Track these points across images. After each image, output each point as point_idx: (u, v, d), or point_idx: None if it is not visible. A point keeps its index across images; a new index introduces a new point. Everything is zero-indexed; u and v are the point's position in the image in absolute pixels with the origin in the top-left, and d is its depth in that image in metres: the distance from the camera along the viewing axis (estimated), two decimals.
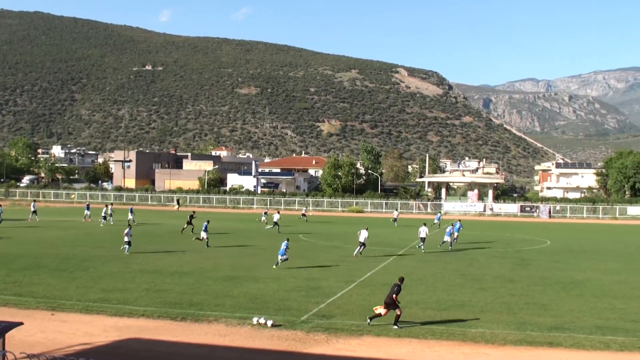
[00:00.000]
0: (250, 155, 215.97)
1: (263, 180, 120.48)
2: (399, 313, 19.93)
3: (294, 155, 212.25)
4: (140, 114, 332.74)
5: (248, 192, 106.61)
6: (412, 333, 19.14)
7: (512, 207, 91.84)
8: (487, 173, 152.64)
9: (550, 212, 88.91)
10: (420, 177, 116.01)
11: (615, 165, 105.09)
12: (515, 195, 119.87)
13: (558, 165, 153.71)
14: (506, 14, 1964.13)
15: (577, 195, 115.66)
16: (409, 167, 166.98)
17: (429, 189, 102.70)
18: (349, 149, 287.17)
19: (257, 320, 19.71)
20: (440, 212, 78.74)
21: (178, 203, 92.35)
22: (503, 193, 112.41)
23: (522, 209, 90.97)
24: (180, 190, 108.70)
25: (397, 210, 76.00)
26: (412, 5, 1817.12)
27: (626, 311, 23.07)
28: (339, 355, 16.98)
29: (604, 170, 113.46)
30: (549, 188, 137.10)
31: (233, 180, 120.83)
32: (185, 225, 49.95)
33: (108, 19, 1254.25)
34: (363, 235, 37.46)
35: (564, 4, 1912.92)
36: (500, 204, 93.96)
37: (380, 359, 16.80)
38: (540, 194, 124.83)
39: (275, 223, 55.67)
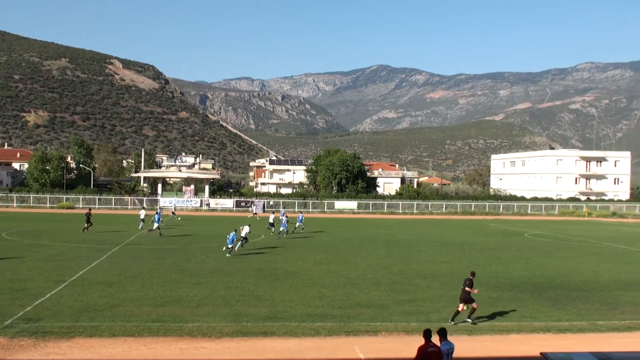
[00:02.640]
0: None
1: None
2: (475, 307, 21.04)
3: None
4: None
5: None
6: (128, 331, 18.51)
7: (228, 202, 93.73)
8: (204, 169, 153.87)
9: (264, 206, 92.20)
10: (136, 172, 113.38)
11: (323, 163, 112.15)
12: (231, 190, 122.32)
13: (272, 162, 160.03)
14: (223, 13, 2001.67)
15: (289, 190, 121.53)
16: (124, 161, 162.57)
17: (145, 184, 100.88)
18: (58, 142, 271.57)
19: None
20: (273, 211, 76.81)
21: None
22: (219, 188, 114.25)
23: (238, 204, 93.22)
24: None
25: (256, 207, 75.54)
26: None
27: (333, 298, 24.55)
28: (48, 359, 15.85)
29: (313, 167, 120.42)
30: (263, 184, 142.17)
31: None
32: (86, 224, 50.59)
33: None
34: (245, 230, 39.94)
35: (276, 8, 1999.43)
36: (217, 199, 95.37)
37: None
38: (255, 190, 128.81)
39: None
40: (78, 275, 28.60)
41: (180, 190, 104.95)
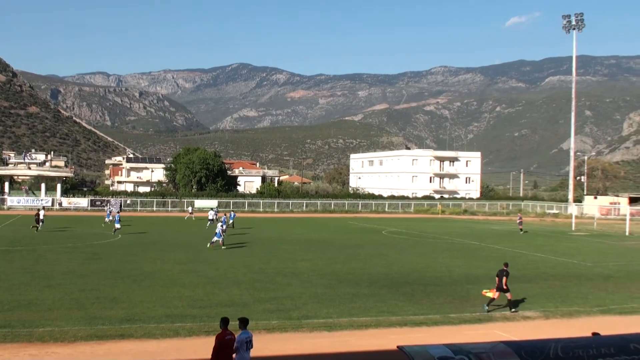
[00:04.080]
0: None
1: None
2: (509, 297, 23.13)
3: None
4: None
5: None
6: None
7: (83, 201, 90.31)
8: (56, 166, 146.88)
9: (121, 205, 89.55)
10: None
11: (183, 161, 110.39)
12: (85, 189, 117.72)
13: (129, 160, 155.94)
14: (75, 3, 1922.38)
15: (147, 189, 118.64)
16: None
17: None
18: None
19: None
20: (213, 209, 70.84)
21: None
22: (73, 187, 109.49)
23: (93, 203, 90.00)
24: None
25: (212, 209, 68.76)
26: None
27: (193, 298, 24.16)
28: None
29: (172, 165, 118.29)
30: (120, 182, 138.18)
31: None
32: (35, 224, 51.76)
33: None
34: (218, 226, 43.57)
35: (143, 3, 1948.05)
36: (70, 197, 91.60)
37: None
38: (112, 188, 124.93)
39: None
40: None
41: (29, 188, 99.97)
